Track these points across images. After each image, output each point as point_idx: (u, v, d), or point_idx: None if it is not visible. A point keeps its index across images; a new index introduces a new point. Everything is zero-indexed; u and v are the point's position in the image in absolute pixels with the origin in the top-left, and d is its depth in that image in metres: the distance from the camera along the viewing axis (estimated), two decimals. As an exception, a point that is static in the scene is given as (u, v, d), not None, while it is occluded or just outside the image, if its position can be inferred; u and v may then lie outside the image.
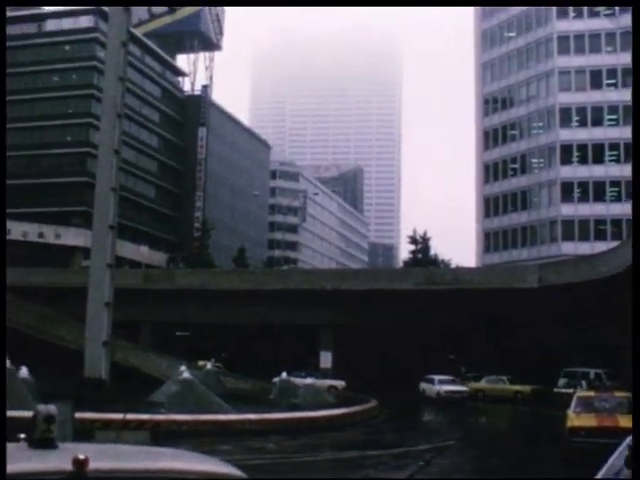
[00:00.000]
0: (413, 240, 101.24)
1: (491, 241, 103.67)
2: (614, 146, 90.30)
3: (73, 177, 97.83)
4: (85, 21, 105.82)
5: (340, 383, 55.97)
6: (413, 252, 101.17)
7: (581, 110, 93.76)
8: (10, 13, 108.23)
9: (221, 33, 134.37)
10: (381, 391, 46.44)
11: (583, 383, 46.68)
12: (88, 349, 33.69)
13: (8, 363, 30.08)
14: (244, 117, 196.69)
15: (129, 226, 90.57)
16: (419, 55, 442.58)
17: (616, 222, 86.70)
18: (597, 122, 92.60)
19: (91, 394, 30.78)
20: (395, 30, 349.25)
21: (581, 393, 28.09)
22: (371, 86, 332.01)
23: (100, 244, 34.72)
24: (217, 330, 67.29)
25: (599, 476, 8.11)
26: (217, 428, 28.69)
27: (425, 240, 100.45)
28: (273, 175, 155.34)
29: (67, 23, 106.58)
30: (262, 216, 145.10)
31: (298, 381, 44.88)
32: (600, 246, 70.09)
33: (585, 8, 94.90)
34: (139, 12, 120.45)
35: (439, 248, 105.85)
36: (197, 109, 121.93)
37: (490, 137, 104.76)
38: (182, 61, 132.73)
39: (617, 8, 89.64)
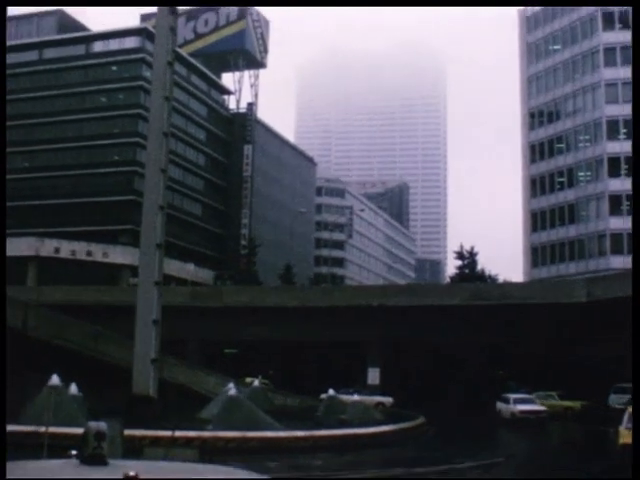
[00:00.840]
0: (460, 255, 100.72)
1: (539, 255, 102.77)
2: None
3: (120, 196, 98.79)
4: (131, 42, 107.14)
5: (388, 400, 55.73)
6: (460, 267, 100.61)
7: (628, 122, 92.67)
8: (59, 36, 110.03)
9: (266, 51, 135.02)
10: (429, 408, 46.15)
11: (634, 399, 45.88)
12: (136, 366, 33.87)
13: (58, 380, 30.36)
14: (290, 134, 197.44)
15: (176, 244, 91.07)
16: (464, 69, 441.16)
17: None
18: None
19: (139, 411, 30.94)
20: (440, 45, 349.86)
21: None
22: (416, 101, 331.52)
23: (148, 262, 34.93)
24: (264, 347, 67.37)
25: None
26: (265, 445, 28.68)
27: (472, 255, 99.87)
28: (319, 192, 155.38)
29: (114, 44, 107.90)
30: (308, 233, 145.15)
31: (345, 398, 44.78)
32: (650, 259, 69.07)
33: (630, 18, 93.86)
34: (184, 32, 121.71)
35: (486, 263, 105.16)
36: (243, 127, 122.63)
37: (536, 151, 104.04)
38: (227, 79, 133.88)
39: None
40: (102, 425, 4.82)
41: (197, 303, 64.75)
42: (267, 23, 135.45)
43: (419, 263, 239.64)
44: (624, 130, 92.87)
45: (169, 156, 37.55)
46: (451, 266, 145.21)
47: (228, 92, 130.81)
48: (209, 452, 22.31)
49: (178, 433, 26.65)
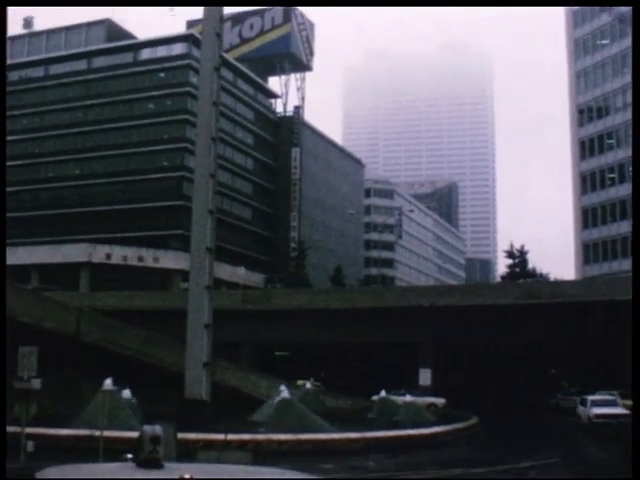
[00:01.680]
0: (510, 254, 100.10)
1: (590, 252, 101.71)
2: None
3: (170, 201, 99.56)
4: (178, 48, 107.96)
5: (440, 400, 55.49)
6: (510, 266, 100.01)
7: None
8: (107, 45, 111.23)
9: (311, 54, 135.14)
10: (481, 407, 45.86)
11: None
12: (189, 370, 34.08)
13: (111, 385, 30.67)
14: (337, 136, 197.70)
15: (226, 248, 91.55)
16: (511, 66, 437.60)
17: None
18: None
19: (192, 415, 31.13)
20: (486, 44, 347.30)
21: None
22: (463, 100, 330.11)
23: (198, 266, 35.14)
24: (315, 349, 67.44)
25: None
26: (318, 447, 28.69)
27: (522, 254, 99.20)
28: (367, 193, 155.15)
29: (161, 51, 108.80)
30: (357, 234, 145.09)
31: (397, 399, 44.68)
32: None
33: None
34: (230, 37, 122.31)
35: (537, 261, 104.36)
36: (290, 130, 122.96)
37: (586, 147, 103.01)
38: (274, 83, 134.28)
39: None
40: (157, 429, 4.88)
41: (248, 306, 64.99)
42: (312, 26, 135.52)
43: (469, 263, 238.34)
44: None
45: (218, 161, 37.75)
46: (501, 265, 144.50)
47: (275, 96, 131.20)
48: (262, 455, 22.39)
49: (231, 436, 26.77)
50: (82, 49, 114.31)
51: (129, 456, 5.02)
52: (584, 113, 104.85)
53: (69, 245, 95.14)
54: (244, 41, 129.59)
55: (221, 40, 38.29)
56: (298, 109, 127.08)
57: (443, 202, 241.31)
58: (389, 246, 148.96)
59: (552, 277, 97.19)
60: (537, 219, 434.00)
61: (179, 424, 20.91)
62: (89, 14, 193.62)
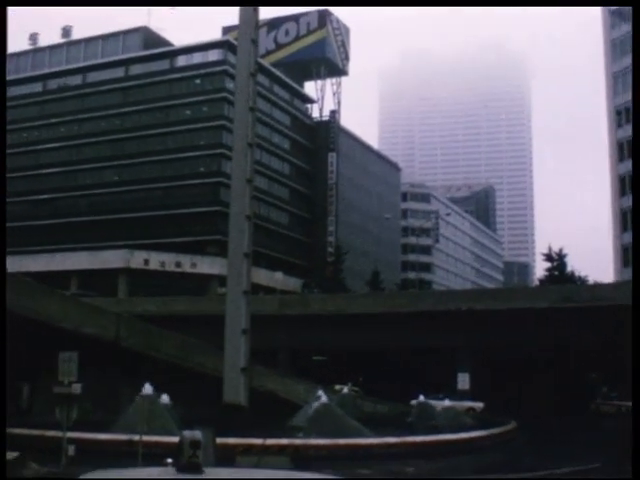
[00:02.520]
0: (548, 257, 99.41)
1: (630, 255, 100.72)
2: None
3: (207, 207, 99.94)
4: (214, 55, 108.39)
5: (478, 405, 55.23)
6: (549, 269, 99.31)
7: None
8: (144, 52, 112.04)
9: (347, 58, 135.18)
10: (519, 412, 45.57)
11: None
12: (227, 375, 34.18)
13: (150, 390, 30.86)
14: (373, 140, 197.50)
15: (263, 253, 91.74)
16: (547, 67, 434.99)
17: None
18: None
19: (231, 420, 31.22)
20: (522, 45, 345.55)
21: None
22: (500, 102, 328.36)
23: (236, 272, 35.25)
24: (353, 354, 67.34)
25: None
26: (356, 452, 28.67)
27: (561, 257, 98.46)
28: (404, 197, 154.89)
29: (197, 58, 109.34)
30: (394, 238, 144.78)
31: (436, 403, 44.53)
32: None
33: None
34: (266, 42, 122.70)
35: (575, 264, 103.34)
36: (326, 135, 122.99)
37: (624, 148, 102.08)
38: (310, 88, 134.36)
39: None
40: (197, 434, 4.91)
41: (285, 312, 65.07)
42: (347, 30, 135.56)
43: (507, 266, 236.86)
44: None
45: (254, 166, 37.87)
46: (540, 268, 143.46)
47: (311, 101, 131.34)
48: (301, 459, 22.41)
49: (270, 441, 26.83)
50: (119, 57, 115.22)
51: (169, 461, 5.06)
52: (622, 114, 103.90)
53: (107, 251, 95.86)
54: (280, 46, 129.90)
55: (257, 46, 38.41)
56: (334, 114, 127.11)
57: (480, 205, 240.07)
58: (426, 250, 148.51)
59: (590, 280, 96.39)
60: (575, 222, 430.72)
61: (218, 429, 21.00)
62: (126, 22, 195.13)
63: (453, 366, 62.46)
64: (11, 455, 25.52)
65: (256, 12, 37.83)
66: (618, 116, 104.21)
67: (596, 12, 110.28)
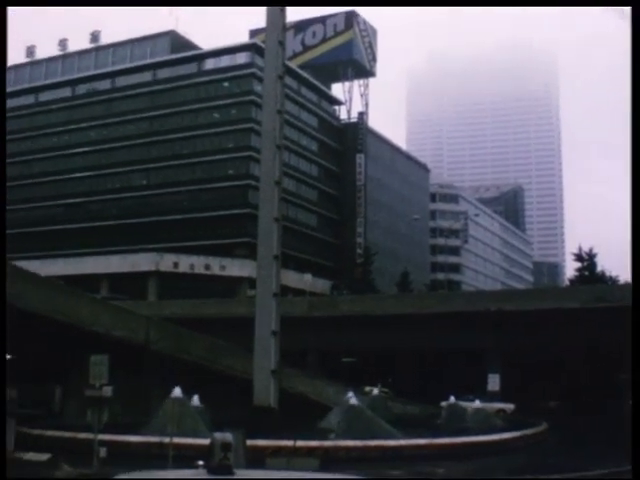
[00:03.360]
0: (578, 257, 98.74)
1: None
2: None
3: (236, 209, 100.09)
4: (242, 58, 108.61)
5: (509, 406, 54.98)
6: (579, 269, 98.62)
7: None
8: (171, 56, 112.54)
9: (374, 60, 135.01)
10: (550, 413, 45.31)
11: None
12: (257, 378, 34.25)
13: (180, 392, 30.99)
14: (401, 141, 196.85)
15: (292, 255, 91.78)
16: (575, 65, 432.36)
17: None
18: None
19: (261, 422, 31.27)
20: (551, 45, 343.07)
21: None
22: (528, 102, 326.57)
23: (265, 274, 35.34)
24: (382, 355, 67.25)
25: None
26: (386, 454, 28.64)
27: (591, 257, 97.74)
28: (433, 198, 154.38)
29: (225, 61, 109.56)
30: (423, 239, 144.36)
31: (466, 405, 44.38)
32: None
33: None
34: (293, 44, 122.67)
35: (606, 264, 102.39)
36: (354, 136, 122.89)
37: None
38: (337, 90, 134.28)
39: None
40: (228, 436, 4.94)
41: (314, 313, 65.13)
42: (374, 31, 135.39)
43: (537, 266, 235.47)
44: None
45: (283, 168, 37.94)
46: (570, 268, 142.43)
47: (338, 102, 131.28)
48: (331, 461, 22.42)
49: (300, 443, 26.86)
50: (147, 61, 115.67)
51: (200, 463, 5.10)
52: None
53: (137, 254, 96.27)
54: (307, 49, 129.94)
55: (284, 48, 38.50)
56: (362, 115, 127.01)
57: (509, 206, 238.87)
58: (455, 251, 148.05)
59: (622, 280, 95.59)
60: (606, 222, 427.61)
61: (248, 431, 21.05)
62: (153, 27, 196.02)
63: (483, 367, 62.24)
64: (44, 456, 25.76)
65: (283, 13, 37.90)
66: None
67: (626, 11, 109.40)
